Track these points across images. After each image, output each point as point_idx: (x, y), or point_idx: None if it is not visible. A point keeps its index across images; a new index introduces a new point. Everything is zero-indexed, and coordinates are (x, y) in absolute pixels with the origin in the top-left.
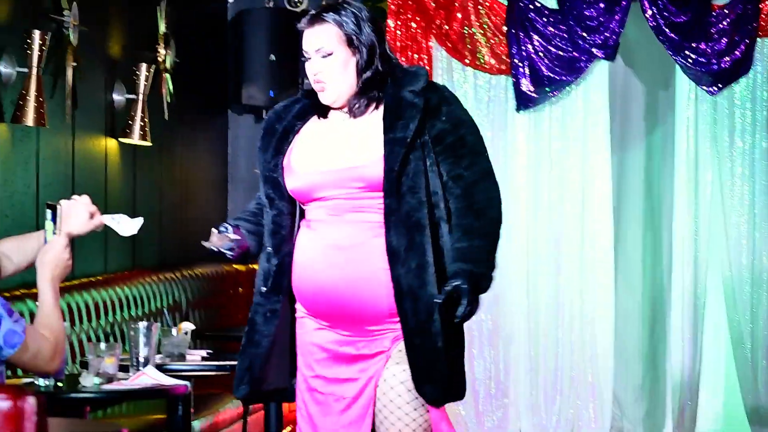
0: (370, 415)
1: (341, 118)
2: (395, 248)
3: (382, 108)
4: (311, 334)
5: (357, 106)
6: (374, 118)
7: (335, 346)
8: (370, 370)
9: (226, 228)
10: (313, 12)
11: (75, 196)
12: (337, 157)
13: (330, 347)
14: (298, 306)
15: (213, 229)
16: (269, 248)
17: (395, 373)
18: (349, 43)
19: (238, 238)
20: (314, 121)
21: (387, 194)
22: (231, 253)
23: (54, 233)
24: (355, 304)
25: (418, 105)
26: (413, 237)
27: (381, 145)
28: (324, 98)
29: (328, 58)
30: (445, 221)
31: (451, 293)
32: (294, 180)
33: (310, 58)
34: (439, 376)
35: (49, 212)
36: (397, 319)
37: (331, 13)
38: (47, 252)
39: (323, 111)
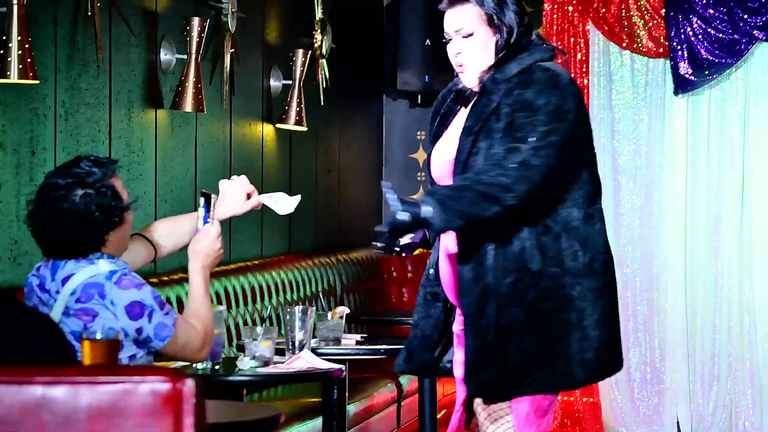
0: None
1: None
2: (466, 243)
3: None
4: None
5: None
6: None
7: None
8: None
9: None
10: None
11: (234, 176)
12: (444, 149)
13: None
14: None
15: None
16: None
17: None
18: (490, 22)
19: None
20: (461, 109)
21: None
22: (404, 252)
23: (207, 222)
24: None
25: (496, 92)
26: (481, 230)
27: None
28: (465, 80)
29: (469, 39)
30: (516, 219)
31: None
32: (432, 169)
33: (451, 39)
34: (486, 367)
35: (202, 200)
36: None
37: None
38: (199, 241)
39: (463, 97)
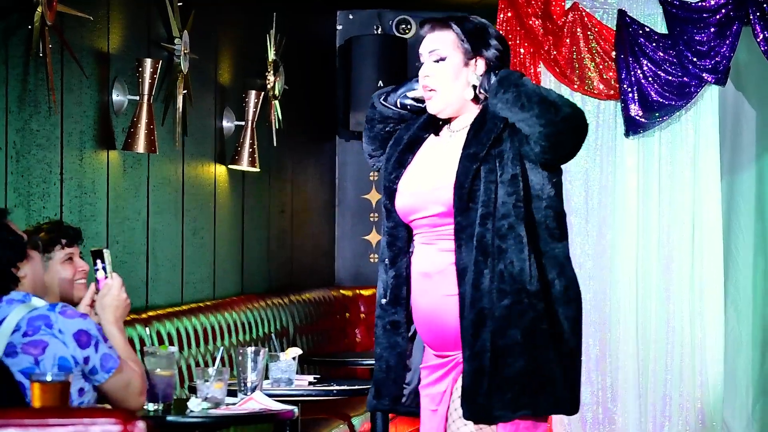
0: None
1: (445, 136)
2: (464, 266)
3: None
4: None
5: (462, 123)
6: (463, 136)
7: (435, 369)
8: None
9: None
10: (436, 18)
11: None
12: (427, 178)
13: (432, 371)
14: None
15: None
16: (386, 260)
17: (457, 408)
18: (465, 52)
19: None
20: (431, 138)
21: (457, 212)
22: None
23: (106, 277)
24: (441, 329)
25: (498, 119)
26: (481, 253)
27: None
28: (430, 106)
29: (441, 63)
30: (518, 240)
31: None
32: (398, 199)
33: (423, 62)
34: (480, 392)
35: (98, 259)
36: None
37: (455, 21)
38: (104, 296)
39: (438, 126)
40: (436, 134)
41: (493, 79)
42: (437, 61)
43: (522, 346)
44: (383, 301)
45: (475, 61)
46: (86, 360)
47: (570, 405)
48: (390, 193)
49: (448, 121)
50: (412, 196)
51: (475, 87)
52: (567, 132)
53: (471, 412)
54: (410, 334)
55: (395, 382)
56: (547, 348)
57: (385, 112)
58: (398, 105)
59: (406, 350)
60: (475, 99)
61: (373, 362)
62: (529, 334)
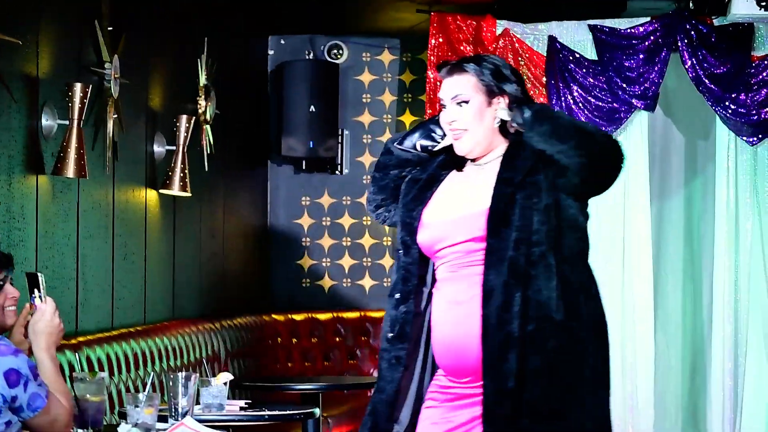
0: None
1: (473, 169)
2: (491, 288)
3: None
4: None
5: (491, 157)
6: (495, 166)
7: (452, 399)
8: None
9: None
10: (456, 62)
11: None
12: (456, 207)
13: (447, 400)
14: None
15: None
16: (397, 295)
17: None
18: (488, 92)
19: None
20: (453, 173)
21: (490, 233)
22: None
23: (40, 299)
24: (471, 357)
25: (535, 151)
26: (510, 277)
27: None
28: (459, 148)
29: (464, 106)
30: (548, 268)
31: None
32: (421, 232)
33: (445, 107)
34: (501, 414)
35: (32, 283)
36: None
37: (471, 63)
38: (37, 321)
39: (461, 163)
40: (459, 170)
41: (527, 112)
42: (460, 104)
43: (542, 371)
44: (389, 335)
45: (497, 99)
46: (14, 399)
47: (594, 429)
48: (411, 229)
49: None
50: (440, 225)
51: (504, 122)
52: (605, 162)
53: (494, 428)
54: (408, 371)
55: (390, 419)
56: (567, 377)
57: (404, 156)
58: (418, 148)
59: (401, 387)
60: (503, 134)
61: (303, 388)
62: (549, 362)
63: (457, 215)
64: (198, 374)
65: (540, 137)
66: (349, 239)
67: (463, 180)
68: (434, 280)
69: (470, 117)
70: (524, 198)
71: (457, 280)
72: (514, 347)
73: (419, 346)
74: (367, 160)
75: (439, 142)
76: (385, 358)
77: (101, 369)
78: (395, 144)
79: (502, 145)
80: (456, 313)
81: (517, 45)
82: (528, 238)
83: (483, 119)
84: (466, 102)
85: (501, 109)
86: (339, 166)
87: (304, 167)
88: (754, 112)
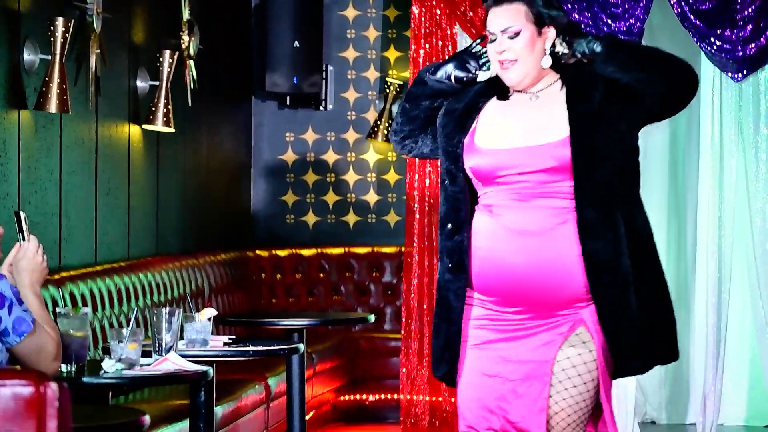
0: (545, 398)
1: (524, 98)
2: (588, 222)
3: (562, 84)
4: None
5: (541, 86)
6: (557, 95)
7: (506, 331)
8: (545, 354)
9: None
10: None
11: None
12: (526, 135)
13: (499, 331)
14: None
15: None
16: (449, 225)
17: (569, 356)
18: (537, 22)
19: None
20: (496, 101)
21: (578, 168)
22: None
23: (24, 239)
24: (546, 290)
25: (601, 84)
26: (607, 209)
27: (566, 123)
28: (509, 78)
29: (516, 38)
30: (637, 197)
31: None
32: (477, 158)
33: (495, 39)
34: (641, 346)
35: (18, 220)
36: (583, 302)
37: None
38: (21, 259)
39: (503, 91)
40: (501, 98)
41: (597, 45)
42: (512, 37)
43: (654, 301)
44: (449, 265)
45: (546, 28)
46: None
47: (676, 352)
48: (455, 157)
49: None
50: (504, 153)
51: (555, 53)
52: (685, 85)
53: (636, 367)
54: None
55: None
56: (664, 300)
57: (437, 87)
58: (452, 79)
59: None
60: (554, 65)
61: (287, 323)
62: (654, 289)
63: (528, 143)
64: (182, 310)
65: (616, 67)
66: (333, 175)
67: (517, 108)
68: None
69: (521, 47)
70: (605, 128)
71: (526, 210)
72: (629, 282)
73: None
74: (352, 96)
75: (473, 74)
76: (451, 290)
77: (84, 304)
78: (428, 74)
79: (549, 74)
80: (525, 245)
81: None
82: (616, 169)
83: (534, 49)
84: (518, 33)
85: (555, 41)
86: (323, 102)
87: (288, 103)
88: (740, 48)
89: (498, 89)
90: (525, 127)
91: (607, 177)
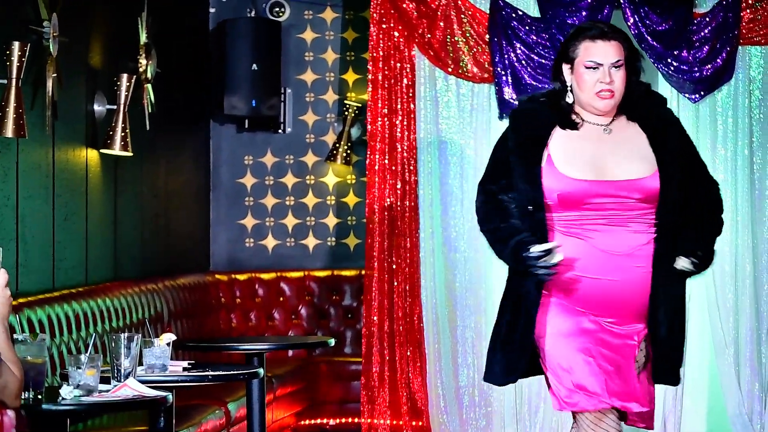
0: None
1: (595, 130)
2: (663, 254)
3: (632, 122)
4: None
5: (616, 119)
6: (633, 131)
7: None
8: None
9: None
10: (605, 28)
11: None
12: (616, 168)
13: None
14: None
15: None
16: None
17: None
18: (628, 60)
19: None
20: (566, 131)
21: (662, 205)
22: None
23: None
24: (625, 302)
25: (677, 123)
26: (673, 244)
27: (653, 159)
28: (606, 107)
29: (619, 70)
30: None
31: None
32: (564, 185)
33: (598, 68)
34: (677, 364)
35: None
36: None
37: (620, 32)
38: None
39: (570, 121)
40: (570, 127)
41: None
42: (617, 68)
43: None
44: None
45: (633, 65)
46: None
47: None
48: (536, 185)
49: (573, 115)
50: (595, 183)
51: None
52: None
53: (674, 382)
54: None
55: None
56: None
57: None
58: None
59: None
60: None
61: (247, 348)
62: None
63: (620, 177)
64: (141, 335)
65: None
66: (292, 198)
67: (593, 139)
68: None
69: (621, 80)
70: (680, 168)
71: (612, 234)
72: (673, 303)
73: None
74: (310, 118)
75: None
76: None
77: (42, 330)
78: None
79: None
80: (613, 264)
81: (459, 2)
82: (680, 211)
83: (624, 83)
84: (621, 66)
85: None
86: (282, 125)
87: (246, 126)
88: (696, 69)
89: (563, 117)
90: (614, 160)
91: (675, 216)
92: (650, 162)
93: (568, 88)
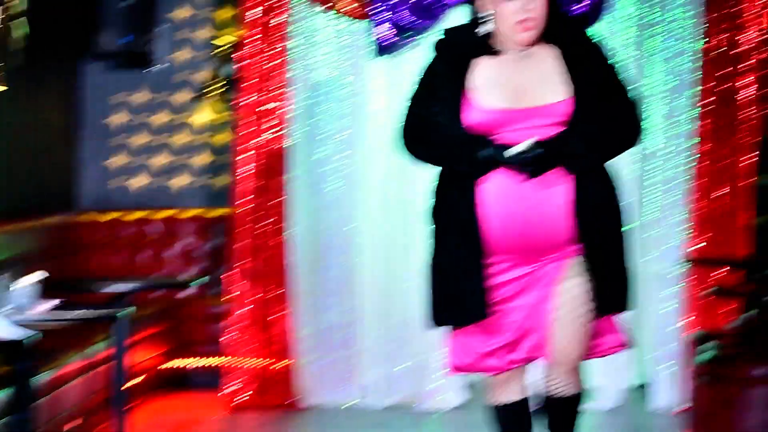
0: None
1: (514, 57)
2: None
3: (551, 47)
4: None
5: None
6: (549, 56)
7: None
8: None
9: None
10: None
11: None
12: (532, 93)
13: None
14: None
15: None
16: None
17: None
18: None
19: None
20: (488, 58)
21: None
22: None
23: None
24: (541, 236)
25: (596, 46)
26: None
27: (566, 83)
28: (527, 38)
29: (538, 1)
30: None
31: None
32: (478, 116)
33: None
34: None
35: None
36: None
37: None
38: None
39: (490, 48)
40: (491, 54)
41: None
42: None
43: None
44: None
45: None
46: None
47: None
48: (457, 117)
49: (490, 42)
50: (507, 112)
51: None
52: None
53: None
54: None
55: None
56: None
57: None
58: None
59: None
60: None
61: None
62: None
63: (532, 103)
64: (6, 275)
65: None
66: (163, 137)
67: (510, 66)
68: None
69: (542, 9)
70: (592, 97)
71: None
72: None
73: None
74: (182, 56)
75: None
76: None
77: None
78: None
79: None
80: (524, 192)
81: None
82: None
83: (545, 10)
84: None
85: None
86: (154, 62)
87: (117, 63)
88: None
89: (483, 46)
90: (527, 87)
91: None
92: (568, 86)
93: (491, 16)
